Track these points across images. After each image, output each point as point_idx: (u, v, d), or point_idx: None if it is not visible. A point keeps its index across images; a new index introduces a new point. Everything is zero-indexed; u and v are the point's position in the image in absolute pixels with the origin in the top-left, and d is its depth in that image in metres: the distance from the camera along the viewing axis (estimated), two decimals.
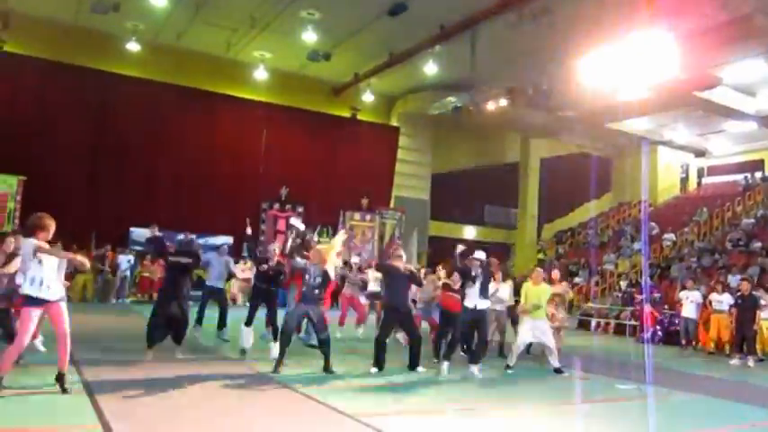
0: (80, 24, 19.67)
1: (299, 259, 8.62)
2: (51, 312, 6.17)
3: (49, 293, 6.01)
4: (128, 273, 18.45)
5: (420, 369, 8.89)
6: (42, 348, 8.60)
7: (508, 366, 9.63)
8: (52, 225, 6.15)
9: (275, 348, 8.91)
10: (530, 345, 11.58)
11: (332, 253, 8.69)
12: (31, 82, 19.10)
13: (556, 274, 11.64)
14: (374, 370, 8.60)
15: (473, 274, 9.25)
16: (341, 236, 9.59)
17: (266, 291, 9.86)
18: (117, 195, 19.85)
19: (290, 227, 9.41)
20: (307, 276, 8.31)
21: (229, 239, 20.15)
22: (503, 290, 11.42)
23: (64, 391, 6.10)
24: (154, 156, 20.89)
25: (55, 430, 5.10)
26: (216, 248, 11.61)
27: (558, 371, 9.65)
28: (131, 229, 20.26)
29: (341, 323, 12.96)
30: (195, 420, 5.72)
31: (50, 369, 6.95)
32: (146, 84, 20.97)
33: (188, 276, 8.91)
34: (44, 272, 6.00)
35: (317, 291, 8.32)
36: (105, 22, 18.75)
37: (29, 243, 5.99)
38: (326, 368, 8.28)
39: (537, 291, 9.76)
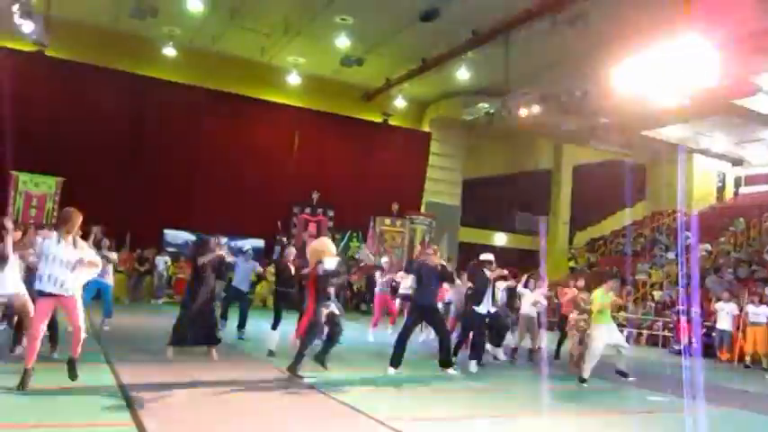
0: (119, 29, 20.06)
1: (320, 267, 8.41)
2: (65, 306, 6.34)
3: (60, 289, 6.14)
4: (164, 273, 18.72)
5: (452, 371, 8.77)
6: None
7: (582, 380, 9.33)
8: (72, 218, 6.28)
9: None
10: (558, 350, 11.58)
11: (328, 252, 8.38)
12: (71, 85, 19.52)
13: (581, 282, 11.55)
14: (391, 370, 8.50)
15: (486, 277, 9.50)
16: (327, 241, 9.16)
17: (286, 293, 10.01)
18: (152, 197, 20.16)
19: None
20: (321, 274, 8.08)
21: (260, 242, 20.40)
22: (534, 296, 11.53)
23: (72, 375, 6.30)
24: (188, 159, 21.18)
25: (89, 427, 5.19)
26: (242, 252, 11.75)
27: (622, 374, 9.57)
28: (165, 231, 20.58)
29: (374, 325, 13.03)
30: (224, 420, 5.78)
31: (86, 365, 7.10)
32: (181, 87, 21.29)
33: (215, 278, 9.01)
34: (55, 268, 6.12)
35: (329, 285, 8.20)
36: (143, 27, 19.10)
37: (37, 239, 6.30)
38: (321, 359, 8.04)
39: (606, 298, 9.67)
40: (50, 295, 6.15)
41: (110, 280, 10.76)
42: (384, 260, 14.40)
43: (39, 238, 6.47)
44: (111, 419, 5.41)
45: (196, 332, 8.62)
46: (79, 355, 6.42)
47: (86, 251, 6.45)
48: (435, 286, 9.12)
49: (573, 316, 10.92)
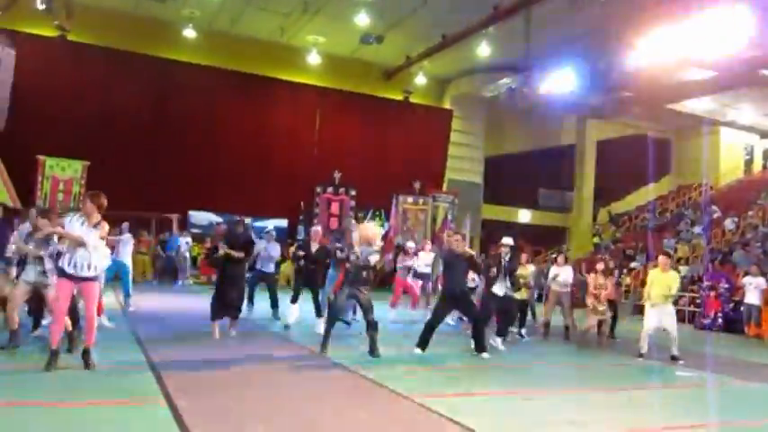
0: (139, 13, 20.13)
1: (338, 253, 8.72)
2: (83, 291, 6.39)
3: (81, 272, 6.17)
4: (187, 254, 18.91)
5: (486, 355, 8.75)
6: (108, 324, 9.00)
7: (641, 355, 9.53)
8: (95, 201, 6.33)
9: (321, 324, 9.29)
10: (567, 328, 11.61)
11: (376, 240, 8.60)
12: (94, 70, 19.64)
13: (601, 265, 11.50)
14: (417, 350, 8.52)
15: (502, 262, 9.64)
16: (378, 229, 9.32)
17: (310, 271, 10.14)
18: (176, 179, 20.31)
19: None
20: (353, 257, 8.28)
21: (283, 222, 20.51)
22: (564, 273, 11.61)
23: (87, 366, 6.26)
24: (210, 140, 21.27)
25: (119, 405, 5.29)
26: (266, 233, 11.82)
27: (674, 358, 9.55)
28: (190, 212, 20.77)
29: (392, 305, 13.07)
30: (253, 397, 5.87)
31: (116, 344, 7.23)
32: (202, 70, 21.33)
33: (243, 261, 9.14)
34: (78, 250, 6.15)
35: (364, 273, 8.33)
36: (163, 10, 19.15)
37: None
38: (372, 351, 8.14)
39: (666, 278, 9.62)
40: (71, 277, 6.19)
41: (128, 260, 10.95)
42: (410, 244, 14.42)
43: (66, 220, 6.49)
44: (142, 398, 5.51)
45: (221, 306, 8.87)
46: (94, 344, 6.41)
47: (100, 234, 6.40)
48: (464, 273, 9.09)
49: (590, 300, 10.95)
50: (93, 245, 6.21)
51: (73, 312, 6.98)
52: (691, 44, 13.97)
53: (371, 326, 8.19)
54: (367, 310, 8.24)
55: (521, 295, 11.31)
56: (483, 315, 9.69)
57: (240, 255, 8.86)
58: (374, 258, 8.36)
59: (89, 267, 6.20)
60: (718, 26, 12.62)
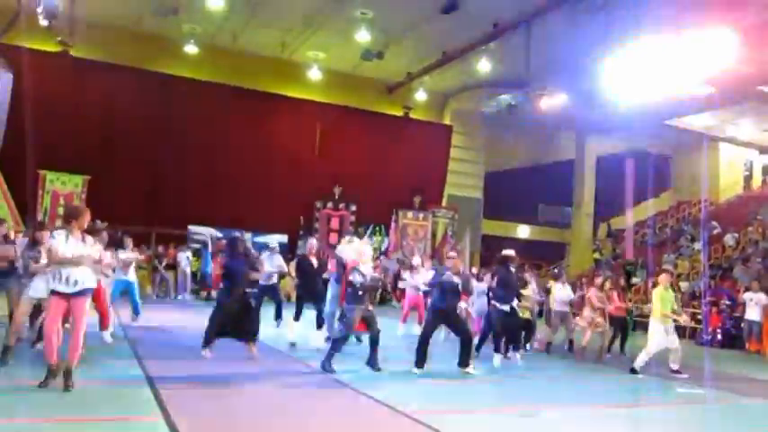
0: (141, 29, 20.25)
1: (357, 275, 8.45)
2: (73, 308, 6.17)
3: (71, 288, 6.03)
4: (187, 269, 18.90)
5: (470, 370, 8.74)
6: (109, 339, 9.00)
7: (634, 371, 9.56)
8: (79, 214, 6.26)
9: (319, 336, 9.46)
10: (571, 342, 11.64)
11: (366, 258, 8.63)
12: (96, 85, 19.72)
13: (599, 280, 11.56)
14: (416, 370, 8.44)
15: (509, 274, 9.76)
16: (368, 247, 9.29)
17: (312, 286, 10.20)
18: (176, 194, 20.37)
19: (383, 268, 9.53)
20: (358, 277, 8.30)
21: (284, 237, 20.50)
22: (563, 291, 11.66)
23: (67, 387, 5.94)
24: (212, 155, 21.32)
25: (119, 421, 5.27)
26: (268, 248, 11.86)
27: (676, 372, 9.61)
28: (190, 227, 20.78)
29: (403, 320, 13.22)
30: (253, 415, 5.85)
31: (114, 363, 7.22)
32: (203, 85, 21.44)
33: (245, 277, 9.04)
34: (65, 266, 6.03)
35: (370, 294, 8.50)
36: (165, 26, 19.27)
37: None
38: (372, 364, 8.22)
39: (669, 295, 9.75)
40: (62, 294, 6.07)
41: (133, 277, 10.88)
42: (416, 260, 14.40)
43: (53, 234, 6.37)
44: (141, 414, 5.50)
45: (235, 326, 8.55)
46: (76, 365, 6.17)
47: (96, 248, 6.35)
48: (456, 291, 8.97)
49: (588, 313, 11.05)
50: (86, 259, 6.13)
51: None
52: (690, 60, 14.02)
53: (374, 340, 8.31)
54: (371, 325, 8.33)
55: (523, 314, 11.34)
56: (489, 331, 9.74)
57: (258, 276, 8.88)
58: (368, 270, 8.45)
59: (75, 283, 6.05)
60: (716, 42, 12.69)
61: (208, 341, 8.48)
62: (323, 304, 10.15)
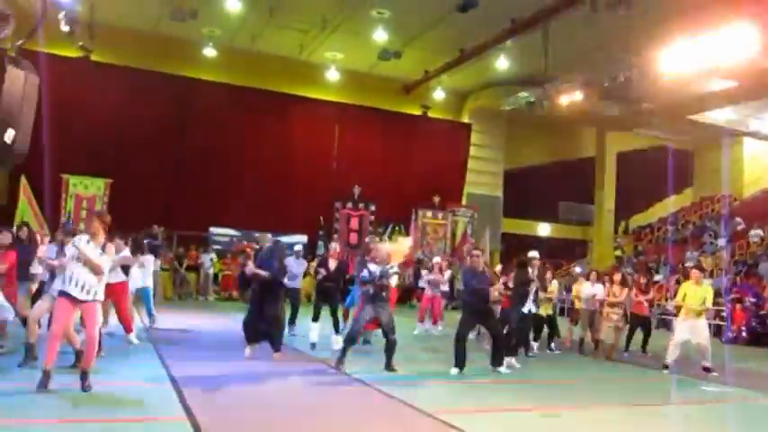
0: (160, 32, 20.43)
1: (365, 272, 8.47)
2: (84, 312, 6.22)
3: (81, 293, 6.05)
4: (210, 271, 19.04)
5: (503, 369, 8.71)
6: (135, 341, 9.10)
7: (666, 366, 9.63)
8: (100, 221, 6.29)
9: (339, 340, 9.28)
10: (582, 340, 11.55)
11: (397, 257, 8.68)
12: (116, 89, 19.93)
13: (617, 277, 11.47)
14: (455, 371, 8.35)
15: (531, 276, 9.65)
16: (407, 242, 9.38)
17: (328, 288, 10.14)
18: (197, 196, 20.54)
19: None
20: (373, 278, 8.28)
21: (303, 238, 20.56)
22: (591, 289, 11.58)
23: (84, 388, 6.00)
24: (232, 157, 21.47)
25: (143, 422, 5.31)
26: (293, 250, 11.85)
27: (707, 369, 9.55)
28: (211, 228, 20.93)
29: (420, 320, 13.21)
30: (274, 414, 5.87)
31: (137, 364, 7.28)
32: (223, 87, 21.61)
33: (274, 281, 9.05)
34: (79, 270, 6.04)
35: (384, 292, 8.35)
36: (184, 30, 19.40)
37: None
38: (389, 366, 8.21)
39: (699, 291, 9.66)
40: (71, 297, 6.06)
41: (149, 281, 10.93)
42: (436, 259, 14.42)
43: (74, 239, 6.38)
44: (164, 414, 5.54)
45: (264, 331, 8.66)
46: (92, 366, 6.21)
47: (108, 258, 6.30)
48: (486, 289, 8.85)
49: (606, 309, 11.05)
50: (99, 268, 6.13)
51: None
52: (711, 54, 13.86)
53: (391, 346, 8.25)
54: (389, 330, 8.25)
55: (545, 310, 11.31)
56: (519, 333, 9.72)
57: (265, 274, 8.77)
58: (394, 279, 8.48)
59: (88, 291, 6.08)
60: (738, 36, 12.52)
61: (249, 340, 8.69)
62: (339, 307, 10.18)
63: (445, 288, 13.58)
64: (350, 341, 8.30)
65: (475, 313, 8.77)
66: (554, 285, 11.81)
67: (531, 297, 9.74)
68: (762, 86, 19.26)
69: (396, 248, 8.83)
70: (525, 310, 9.64)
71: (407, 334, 12.42)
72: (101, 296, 6.25)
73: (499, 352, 8.80)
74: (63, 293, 6.11)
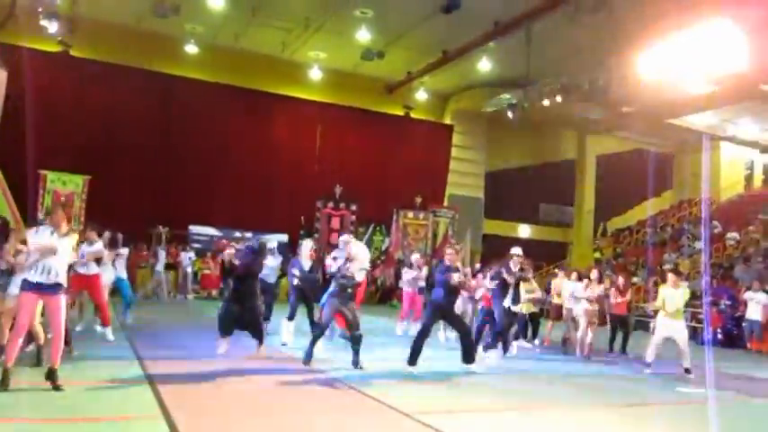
0: (142, 28, 20.23)
1: (331, 263, 8.66)
2: (48, 305, 6.16)
3: (46, 278, 5.98)
4: (189, 269, 18.90)
5: (475, 367, 8.73)
6: (110, 337, 9.03)
7: (648, 365, 9.87)
8: (60, 211, 6.37)
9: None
10: (565, 339, 11.66)
11: (361, 254, 8.65)
12: (96, 84, 19.74)
13: (594, 274, 11.70)
14: (410, 369, 8.30)
15: (514, 273, 9.82)
16: (363, 249, 9.27)
17: (304, 288, 10.20)
18: (177, 194, 20.38)
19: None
20: (338, 274, 8.38)
21: (284, 237, 20.49)
22: (573, 287, 11.69)
23: (56, 388, 5.91)
24: (213, 155, 21.33)
25: (118, 420, 5.26)
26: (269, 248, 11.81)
27: (687, 371, 9.66)
28: (191, 227, 20.78)
29: (402, 318, 13.30)
30: (250, 413, 5.85)
31: (114, 362, 7.20)
32: (204, 84, 21.47)
33: (257, 279, 9.13)
34: (45, 258, 6.00)
35: (349, 288, 8.40)
36: (165, 26, 19.25)
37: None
38: (356, 362, 8.25)
39: (677, 294, 9.86)
40: (35, 287, 5.98)
41: (123, 274, 10.95)
42: (414, 257, 14.44)
43: (32, 231, 6.42)
44: (140, 412, 5.49)
45: (243, 323, 8.77)
46: (59, 363, 6.12)
47: (67, 241, 6.26)
48: (453, 286, 8.76)
49: (587, 307, 11.24)
50: (63, 253, 6.11)
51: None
52: (691, 59, 14.02)
53: (356, 340, 8.30)
54: (352, 326, 8.32)
55: (528, 308, 11.37)
56: (502, 327, 9.86)
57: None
58: (360, 275, 8.55)
59: (57, 274, 6.04)
60: (714, 42, 12.68)
61: (223, 333, 8.74)
62: (314, 307, 10.18)
63: (422, 284, 13.61)
64: (317, 336, 8.40)
65: (436, 310, 8.74)
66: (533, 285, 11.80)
67: (512, 293, 9.81)
68: (739, 91, 19.52)
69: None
70: (505, 304, 9.74)
71: (390, 334, 12.46)
72: (63, 281, 6.14)
73: (469, 350, 8.79)
74: (25, 288, 6.02)
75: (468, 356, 8.78)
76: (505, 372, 9.07)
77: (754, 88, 19.35)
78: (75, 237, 6.46)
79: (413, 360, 8.39)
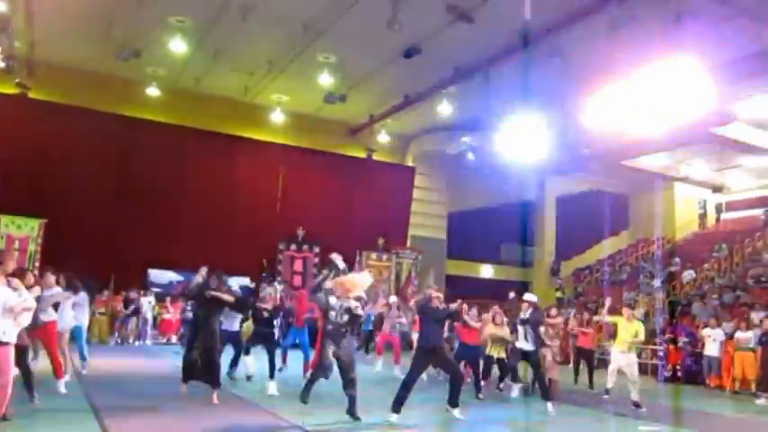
0: (102, 71, 20.08)
1: (320, 295, 8.09)
2: None
3: None
4: (149, 314, 18.52)
5: (457, 413, 8.53)
6: (63, 390, 8.67)
7: (607, 391, 11.00)
8: (5, 260, 5.94)
9: (273, 387, 9.46)
10: (551, 381, 11.66)
11: (356, 290, 8.24)
12: (55, 127, 19.43)
13: (553, 311, 12.57)
14: (393, 416, 7.91)
15: (522, 316, 10.45)
16: (367, 278, 9.16)
17: (264, 333, 10.32)
18: (137, 237, 20.00)
19: (331, 264, 9.21)
20: (332, 313, 7.91)
21: (246, 280, 20.24)
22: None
23: None
24: (173, 198, 21.10)
25: None
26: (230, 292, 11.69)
27: (636, 405, 9.99)
28: (150, 270, 20.41)
29: (379, 352, 13.82)
30: None
31: (70, 415, 6.97)
32: (166, 127, 21.31)
33: (217, 317, 9.00)
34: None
35: (343, 329, 7.92)
36: (126, 69, 19.16)
37: None
38: (352, 412, 7.77)
39: (631, 327, 10.57)
40: None
41: (84, 321, 10.66)
42: (393, 299, 14.92)
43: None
44: None
45: (200, 370, 8.59)
46: (7, 413, 5.93)
47: (24, 294, 5.89)
48: (440, 327, 8.80)
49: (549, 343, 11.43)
50: (12, 306, 5.71)
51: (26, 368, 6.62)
52: (645, 103, 14.46)
53: (351, 384, 7.80)
54: (347, 369, 7.81)
55: (498, 353, 11.34)
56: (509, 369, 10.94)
57: (230, 299, 8.81)
58: (358, 310, 8.09)
59: (4, 333, 5.65)
60: (671, 86, 13.14)
61: (184, 378, 8.76)
62: (272, 352, 10.07)
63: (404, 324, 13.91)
64: (314, 380, 7.84)
65: (425, 353, 8.54)
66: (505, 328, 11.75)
67: (522, 334, 10.34)
68: (689, 134, 20.17)
69: (350, 284, 8.44)
70: (518, 345, 10.45)
71: (367, 377, 12.21)
72: (12, 338, 5.78)
73: (455, 392, 8.61)
74: None
75: (454, 399, 8.62)
76: (478, 414, 8.97)
77: (706, 131, 20.06)
78: (17, 282, 6.03)
79: (396, 406, 8.00)
